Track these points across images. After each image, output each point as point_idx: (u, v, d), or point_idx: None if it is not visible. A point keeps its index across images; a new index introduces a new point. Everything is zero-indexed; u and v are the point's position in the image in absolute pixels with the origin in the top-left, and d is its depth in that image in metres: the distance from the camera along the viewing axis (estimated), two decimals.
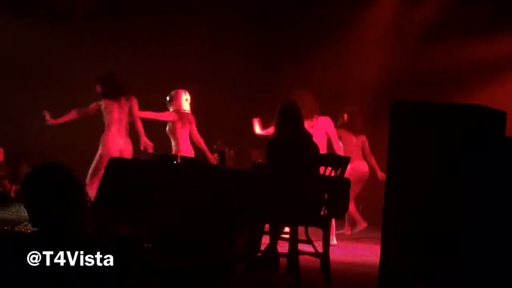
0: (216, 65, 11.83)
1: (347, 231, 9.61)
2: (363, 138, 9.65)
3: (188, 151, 8.53)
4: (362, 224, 9.54)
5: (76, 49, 11.63)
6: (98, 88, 8.47)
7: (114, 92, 8.40)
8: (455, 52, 10.64)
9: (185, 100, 8.69)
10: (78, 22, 11.58)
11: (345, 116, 9.55)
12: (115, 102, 8.38)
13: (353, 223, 9.71)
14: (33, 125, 10.61)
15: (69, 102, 11.36)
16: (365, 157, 9.65)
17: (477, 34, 10.53)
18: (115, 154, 8.10)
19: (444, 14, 10.60)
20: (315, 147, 6.40)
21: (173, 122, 8.63)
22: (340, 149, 8.72)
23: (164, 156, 6.81)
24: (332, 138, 8.55)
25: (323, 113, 8.46)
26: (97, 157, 8.30)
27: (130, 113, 8.45)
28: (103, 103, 8.41)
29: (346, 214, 9.10)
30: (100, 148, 8.35)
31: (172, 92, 8.74)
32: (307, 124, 8.08)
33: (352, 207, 9.50)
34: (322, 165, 6.36)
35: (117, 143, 8.31)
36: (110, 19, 11.59)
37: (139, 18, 11.59)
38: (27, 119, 11.42)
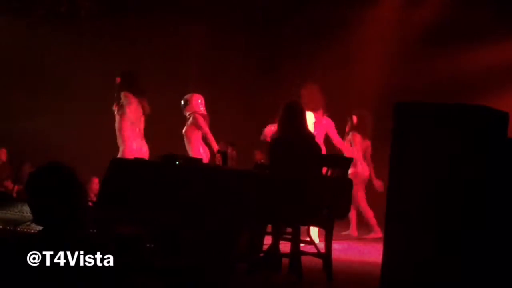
0: (216, 65, 11.82)
1: (353, 232, 9.57)
2: (368, 143, 9.66)
3: (205, 153, 8.45)
4: (378, 233, 9.29)
5: (76, 49, 11.64)
6: (117, 80, 8.28)
7: (135, 86, 8.27)
8: (458, 53, 10.62)
9: (199, 102, 8.59)
10: (78, 23, 11.59)
11: (355, 118, 9.54)
12: (135, 99, 8.25)
13: (368, 226, 9.63)
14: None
15: (69, 102, 11.39)
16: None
17: (479, 35, 10.51)
18: (137, 152, 8.00)
19: (446, 14, 10.58)
20: (317, 147, 6.39)
21: (196, 124, 8.46)
22: (345, 149, 8.79)
23: (166, 156, 6.79)
24: (334, 140, 8.56)
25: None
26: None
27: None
28: (123, 95, 8.21)
29: (350, 215, 9.13)
30: (121, 149, 8.23)
31: (187, 96, 8.59)
32: (315, 116, 8.11)
33: (368, 211, 9.48)
34: (325, 166, 6.34)
35: (136, 144, 8.22)
36: (110, 19, 11.60)
37: (139, 18, 11.59)
38: (28, 118, 11.43)
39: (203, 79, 11.04)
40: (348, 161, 6.70)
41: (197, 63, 11.70)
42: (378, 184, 9.51)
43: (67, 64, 11.50)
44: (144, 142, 8.36)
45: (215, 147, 8.19)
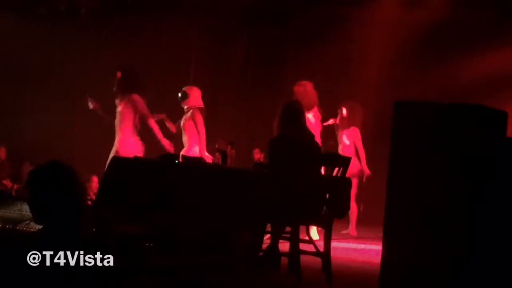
0: (218, 64, 11.81)
1: (352, 231, 9.56)
2: None
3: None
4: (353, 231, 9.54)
5: (79, 47, 11.63)
6: (118, 74, 8.19)
7: (139, 85, 8.23)
8: (459, 54, 10.61)
9: (196, 95, 8.51)
10: (80, 21, 11.58)
11: (344, 110, 9.49)
12: (141, 99, 8.21)
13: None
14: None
15: (69, 100, 11.37)
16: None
17: (481, 37, 10.50)
18: (133, 146, 7.99)
19: (447, 14, 10.56)
20: (316, 146, 6.40)
21: (194, 120, 8.40)
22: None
23: (166, 155, 6.79)
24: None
25: (325, 110, 8.47)
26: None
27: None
28: (132, 97, 8.15)
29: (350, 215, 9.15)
30: (117, 139, 8.22)
31: (185, 89, 8.46)
32: (310, 114, 8.10)
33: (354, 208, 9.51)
34: (324, 165, 6.34)
35: (133, 139, 8.21)
36: (111, 18, 11.59)
37: (139, 15, 11.58)
38: (28, 117, 11.43)
39: (204, 78, 11.03)
40: (347, 160, 6.69)
41: (198, 62, 11.70)
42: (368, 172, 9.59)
43: (68, 62, 11.50)
44: (138, 138, 8.30)
45: (204, 148, 8.18)
